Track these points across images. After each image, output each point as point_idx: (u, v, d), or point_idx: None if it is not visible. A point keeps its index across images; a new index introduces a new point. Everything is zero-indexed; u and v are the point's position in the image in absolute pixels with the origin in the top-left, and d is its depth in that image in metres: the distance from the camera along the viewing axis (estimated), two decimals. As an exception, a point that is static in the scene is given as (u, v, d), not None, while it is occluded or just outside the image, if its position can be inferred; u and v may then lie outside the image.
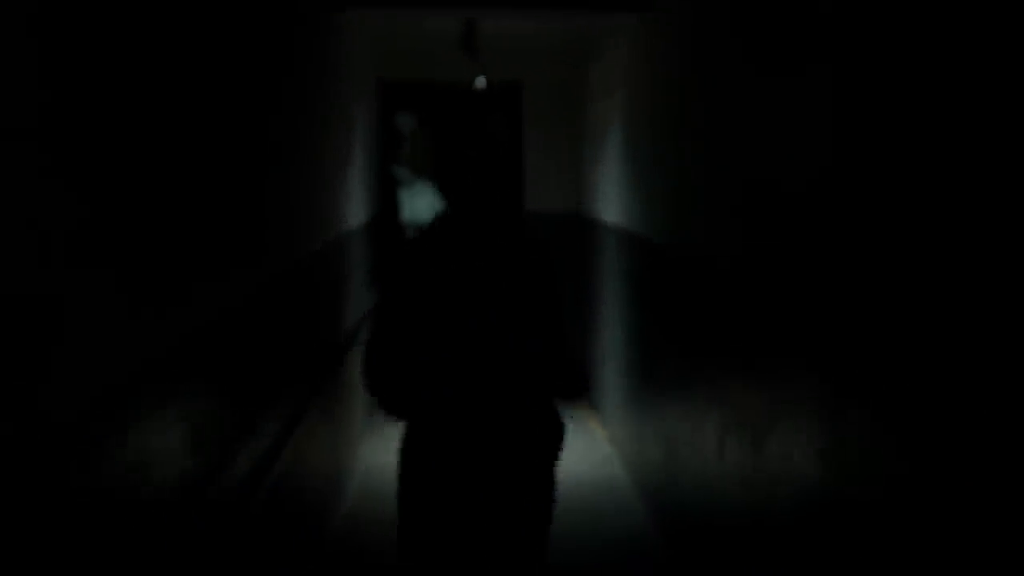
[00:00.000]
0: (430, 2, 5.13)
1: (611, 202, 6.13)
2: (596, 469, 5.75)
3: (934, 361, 1.89)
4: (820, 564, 2.49)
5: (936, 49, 1.91)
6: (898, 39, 2.08)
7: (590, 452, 6.07)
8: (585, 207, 7.23)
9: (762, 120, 3.02)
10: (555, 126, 7.61)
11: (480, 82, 7.02)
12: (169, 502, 2.16)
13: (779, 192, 2.86)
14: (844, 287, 2.34)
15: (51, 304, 1.64)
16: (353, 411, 5.73)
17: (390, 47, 7.17)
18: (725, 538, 3.44)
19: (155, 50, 2.17)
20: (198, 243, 2.44)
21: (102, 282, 1.86)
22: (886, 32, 2.12)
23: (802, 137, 2.65)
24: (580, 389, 2.98)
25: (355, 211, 6.00)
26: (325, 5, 4.72)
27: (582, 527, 4.87)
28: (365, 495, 5.36)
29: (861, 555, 2.23)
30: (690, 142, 4.09)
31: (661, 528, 4.65)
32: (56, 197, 1.68)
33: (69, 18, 1.74)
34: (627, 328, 5.66)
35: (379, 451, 6.04)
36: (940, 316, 1.87)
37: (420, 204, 8.16)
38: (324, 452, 4.56)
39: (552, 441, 2.87)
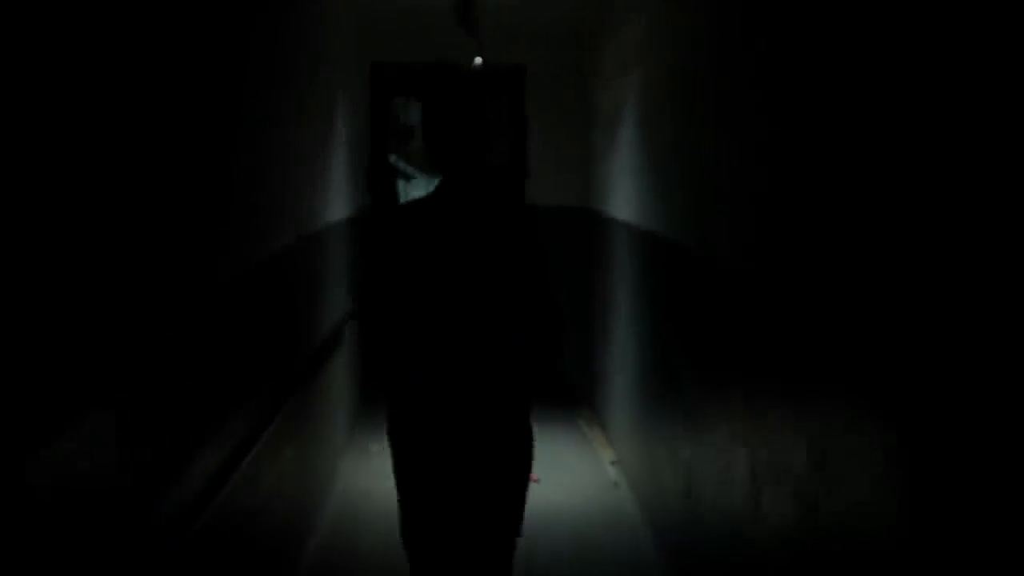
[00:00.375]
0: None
1: (623, 196, 5.50)
2: (600, 496, 5.13)
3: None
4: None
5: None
6: None
7: (594, 475, 5.44)
8: (594, 201, 6.60)
9: (809, 98, 2.39)
10: (561, 113, 6.98)
11: (477, 63, 6.41)
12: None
13: (831, 184, 2.24)
14: (922, 307, 1.71)
15: None
16: (330, 426, 5.12)
17: (383, 28, 6.57)
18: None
19: None
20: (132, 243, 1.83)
21: None
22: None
23: (863, 116, 2.03)
24: (558, 352, 3.08)
25: (337, 205, 5.40)
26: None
27: (584, 568, 4.25)
28: (342, 521, 4.74)
29: None
30: (716, 127, 3.47)
31: None
32: None
33: None
34: (639, 337, 5.04)
35: (360, 472, 5.41)
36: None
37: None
38: (292, 475, 3.96)
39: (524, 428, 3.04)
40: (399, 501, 3.04)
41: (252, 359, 3.27)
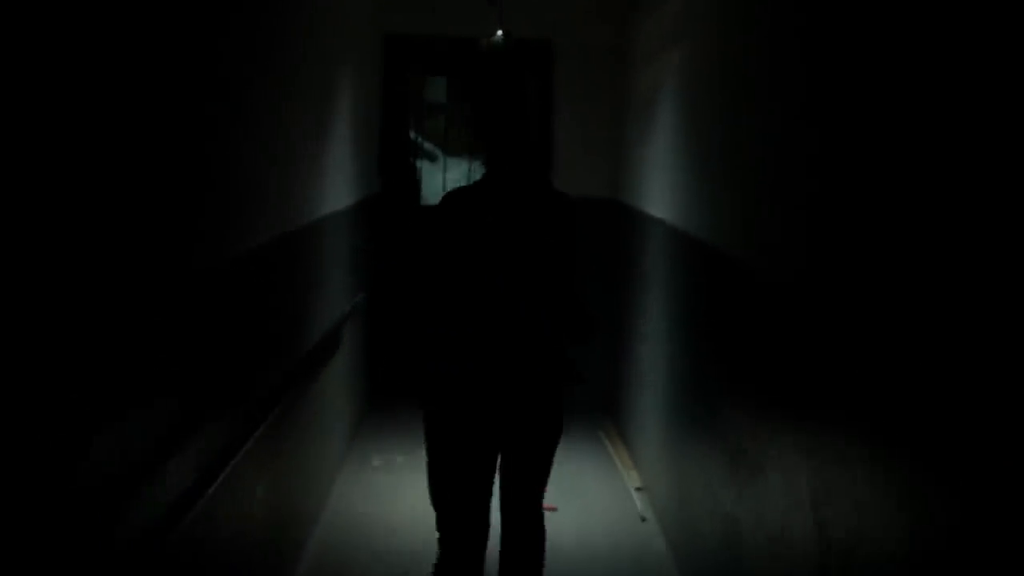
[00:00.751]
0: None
1: (659, 191, 4.89)
2: (626, 531, 4.55)
3: None
4: None
5: None
6: None
7: (618, 503, 4.86)
8: (624, 194, 5.99)
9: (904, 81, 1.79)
10: (591, 94, 6.35)
11: (498, 36, 5.79)
12: None
13: (925, 191, 1.65)
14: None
15: None
16: (324, 441, 4.56)
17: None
18: None
19: None
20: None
21: None
22: None
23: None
24: (589, 334, 3.25)
25: (338, 192, 4.82)
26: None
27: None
28: (329, 550, 4.17)
29: None
30: (775, 119, 2.86)
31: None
32: None
33: None
34: (672, 350, 4.45)
35: (358, 492, 4.85)
36: None
37: (447, 181, 6.99)
38: (271, 500, 3.43)
39: (562, 380, 3.21)
40: (429, 473, 3.38)
41: (221, 367, 2.76)
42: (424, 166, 7.26)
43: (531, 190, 3.13)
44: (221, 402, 2.80)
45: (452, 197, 3.15)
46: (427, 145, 8.52)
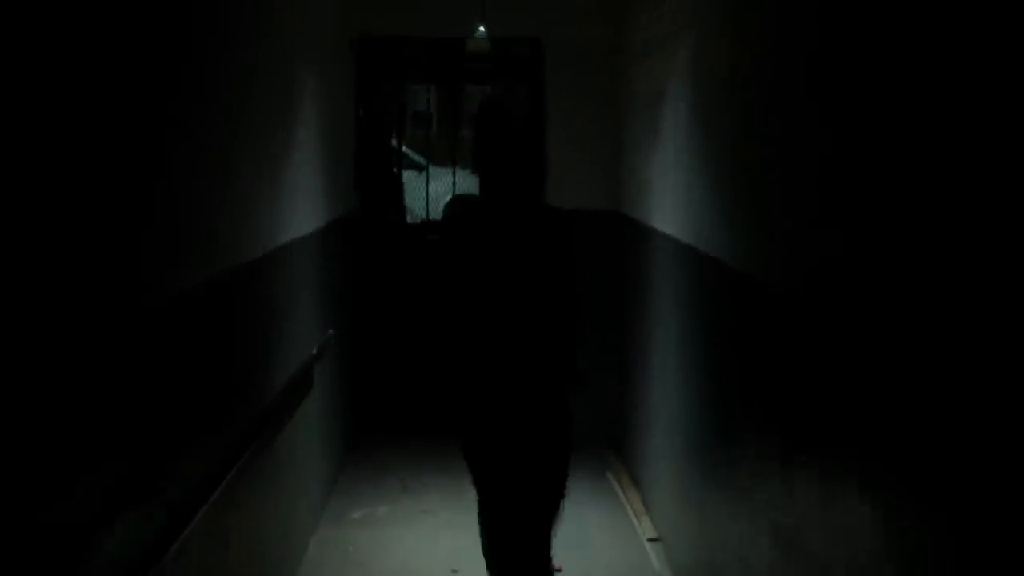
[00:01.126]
0: None
1: (666, 203, 4.32)
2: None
3: None
4: None
5: None
6: None
7: (629, 558, 4.28)
8: (627, 206, 5.42)
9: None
10: (586, 97, 5.77)
11: (480, 33, 5.23)
12: None
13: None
14: None
15: None
16: (289, 501, 3.98)
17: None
18: None
19: None
20: None
21: None
22: None
23: None
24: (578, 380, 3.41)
25: (302, 214, 4.25)
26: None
27: None
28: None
29: None
30: (811, 115, 2.30)
31: None
32: None
33: None
34: (688, 383, 3.88)
35: (330, 560, 4.25)
36: None
37: (432, 194, 6.44)
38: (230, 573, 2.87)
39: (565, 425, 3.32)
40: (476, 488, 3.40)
41: (158, 426, 2.28)
42: (408, 177, 6.70)
43: (526, 214, 3.28)
44: (163, 468, 2.29)
45: (456, 220, 3.34)
46: (410, 154, 7.97)
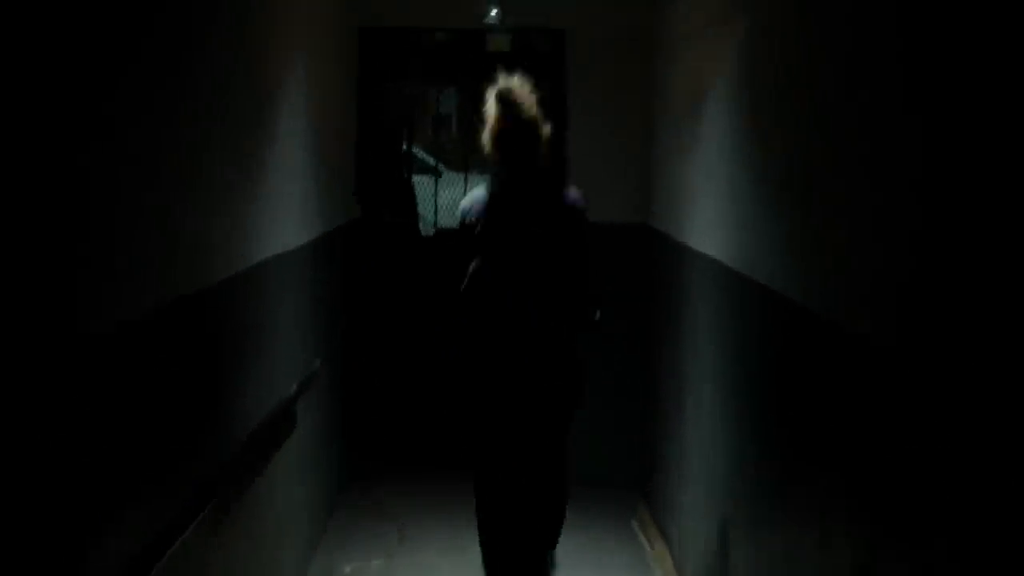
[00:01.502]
0: None
1: (709, 220, 3.74)
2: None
3: None
4: None
5: None
6: None
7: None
8: (659, 220, 4.84)
9: None
10: (613, 97, 5.20)
11: (493, 15, 4.68)
12: None
13: None
14: None
15: None
16: (266, 556, 3.43)
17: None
18: None
19: None
20: None
21: None
22: None
23: None
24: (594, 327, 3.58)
25: (286, 227, 3.70)
26: None
27: None
28: None
29: None
30: (911, 128, 1.74)
31: None
32: None
33: None
34: (731, 431, 3.31)
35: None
36: None
37: (442, 203, 5.95)
38: None
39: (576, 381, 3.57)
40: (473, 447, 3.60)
41: (109, 473, 1.93)
42: (417, 181, 6.15)
43: (540, 196, 3.45)
44: (112, 520, 1.96)
45: (465, 215, 3.53)
46: (420, 156, 7.45)
